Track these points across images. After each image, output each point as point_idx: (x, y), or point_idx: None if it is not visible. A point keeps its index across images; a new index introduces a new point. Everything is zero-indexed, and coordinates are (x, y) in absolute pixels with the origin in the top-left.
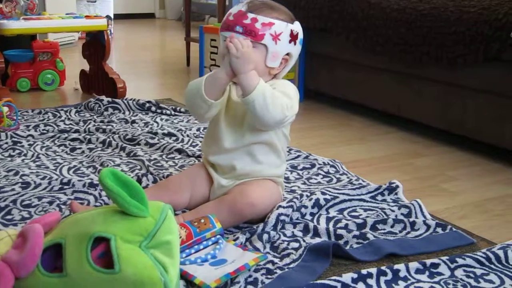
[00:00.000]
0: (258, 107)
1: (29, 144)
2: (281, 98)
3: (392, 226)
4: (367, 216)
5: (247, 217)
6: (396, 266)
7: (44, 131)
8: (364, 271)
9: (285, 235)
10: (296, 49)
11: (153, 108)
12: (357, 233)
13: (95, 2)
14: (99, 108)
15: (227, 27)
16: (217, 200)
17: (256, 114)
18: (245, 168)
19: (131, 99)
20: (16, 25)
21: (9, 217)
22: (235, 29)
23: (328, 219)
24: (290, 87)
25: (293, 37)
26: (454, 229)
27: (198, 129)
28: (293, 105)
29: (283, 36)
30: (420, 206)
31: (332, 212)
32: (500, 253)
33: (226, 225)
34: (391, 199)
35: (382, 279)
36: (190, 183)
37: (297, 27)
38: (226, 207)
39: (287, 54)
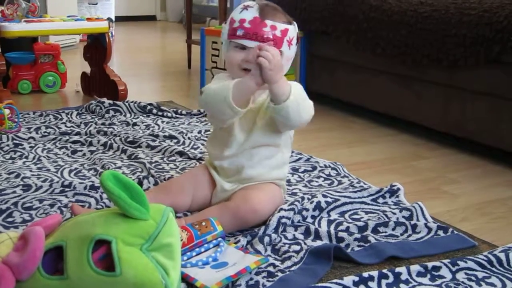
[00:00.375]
0: (292, 112)
1: (30, 147)
2: (308, 101)
3: (393, 229)
4: (368, 219)
5: (250, 224)
6: (397, 269)
7: (46, 134)
8: (365, 274)
9: (286, 237)
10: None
11: (154, 111)
12: (358, 236)
13: (96, 4)
14: (100, 111)
15: (245, 35)
16: (220, 206)
17: (289, 118)
18: (250, 171)
19: (132, 102)
20: (18, 28)
21: (10, 219)
22: (259, 38)
23: (330, 222)
24: (301, 87)
25: (298, 40)
26: (455, 232)
27: (199, 132)
28: (312, 104)
29: (294, 40)
30: (421, 209)
31: (334, 215)
32: (502, 256)
33: (228, 230)
34: (392, 201)
35: (384, 282)
36: (191, 186)
37: (297, 28)
38: (229, 214)
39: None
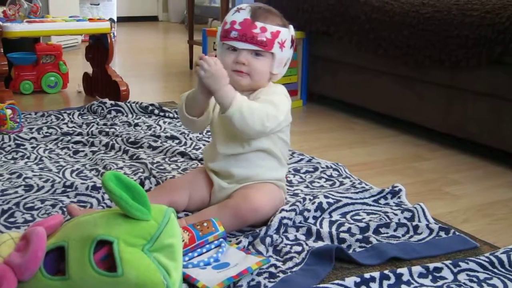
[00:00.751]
0: (236, 121)
1: (32, 147)
2: (261, 109)
3: (395, 230)
4: (370, 220)
5: (250, 223)
6: (399, 270)
7: (47, 134)
8: (367, 275)
9: (288, 238)
10: (292, 53)
11: (156, 111)
12: (360, 236)
13: (98, 5)
14: (102, 111)
15: (236, 36)
16: (220, 205)
17: (236, 128)
18: (242, 174)
19: (134, 102)
20: (20, 28)
21: (12, 219)
22: (249, 39)
23: (331, 223)
24: (278, 94)
25: (292, 42)
26: (457, 233)
27: (201, 132)
28: (277, 115)
29: (287, 43)
30: (423, 210)
31: (335, 216)
32: (504, 257)
33: (228, 230)
34: (394, 202)
35: (385, 283)
36: (188, 184)
37: (293, 31)
38: (229, 212)
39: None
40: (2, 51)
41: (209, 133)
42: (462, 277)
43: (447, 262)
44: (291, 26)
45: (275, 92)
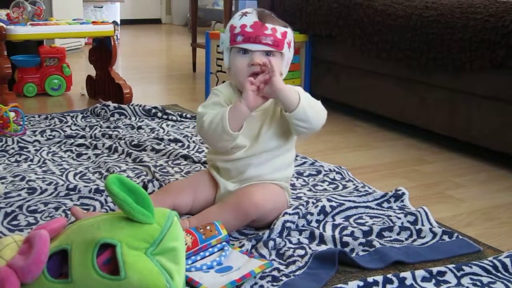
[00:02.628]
0: (310, 113)
1: (35, 150)
2: (313, 99)
3: (398, 234)
4: (373, 224)
5: (252, 218)
6: (402, 274)
7: (51, 137)
8: (370, 279)
9: (291, 242)
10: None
11: (159, 114)
12: (363, 240)
13: (101, 7)
14: (105, 114)
15: (248, 39)
16: (221, 203)
17: (308, 121)
18: (253, 173)
19: (137, 105)
20: (23, 31)
21: (15, 222)
22: (262, 40)
23: (334, 226)
24: (301, 89)
25: (294, 43)
26: (460, 237)
27: None
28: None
29: (292, 43)
30: (426, 214)
31: (338, 219)
32: (507, 261)
33: (230, 227)
34: (397, 206)
35: (388, 287)
36: (192, 187)
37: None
38: (230, 208)
39: None
40: (6, 54)
41: None
42: (465, 281)
43: (451, 266)
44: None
45: (302, 91)
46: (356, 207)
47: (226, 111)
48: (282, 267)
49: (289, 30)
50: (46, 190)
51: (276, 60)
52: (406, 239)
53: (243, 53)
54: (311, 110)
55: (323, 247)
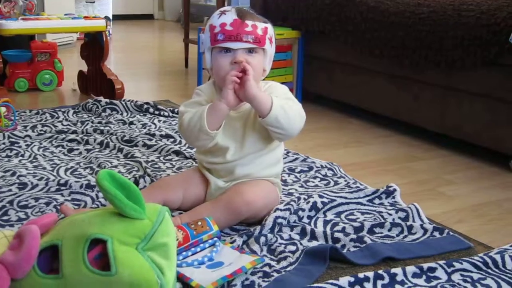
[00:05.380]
0: (283, 120)
1: (26, 145)
2: (291, 104)
3: (389, 230)
4: (364, 220)
5: (244, 216)
6: (393, 270)
7: (42, 132)
8: (361, 275)
9: (282, 238)
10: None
11: (151, 110)
12: (354, 236)
13: (93, 2)
14: (97, 109)
15: (229, 37)
16: (213, 200)
17: (282, 127)
18: (242, 172)
19: (129, 100)
20: (15, 25)
21: (5, 217)
22: (243, 38)
23: (326, 222)
24: (286, 89)
25: (275, 38)
26: (451, 233)
27: None
28: (301, 110)
29: (273, 39)
30: (417, 210)
31: (330, 215)
32: (497, 257)
33: (222, 225)
34: (388, 202)
35: (379, 283)
36: (182, 183)
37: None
38: (222, 206)
39: None
40: None
41: None
42: (456, 277)
43: (441, 262)
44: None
45: (280, 88)
46: (347, 203)
47: (205, 109)
48: (273, 263)
49: (269, 26)
50: (37, 185)
51: (258, 57)
52: (397, 235)
53: (225, 52)
54: (285, 117)
55: (314, 243)
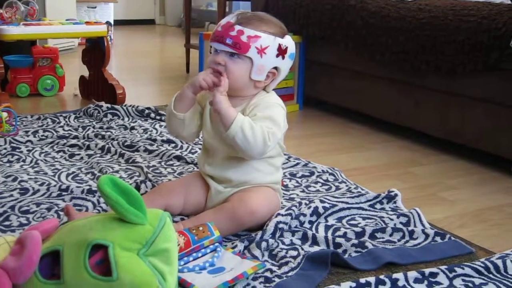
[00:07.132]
0: (239, 141)
1: (28, 150)
2: (262, 129)
3: (390, 235)
4: (365, 225)
5: (247, 225)
6: (394, 275)
7: (43, 137)
8: (362, 280)
9: (283, 243)
10: (285, 64)
11: (152, 115)
12: (355, 241)
13: (95, 8)
14: (98, 114)
15: (215, 38)
16: (216, 208)
17: (238, 147)
18: (239, 179)
19: (130, 106)
20: (16, 31)
21: (7, 223)
22: (225, 41)
23: (327, 227)
24: (275, 107)
25: (281, 51)
26: (452, 238)
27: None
28: (276, 132)
29: (269, 50)
30: (419, 215)
31: (331, 221)
32: (499, 262)
33: (225, 233)
34: (390, 207)
35: None
36: (183, 188)
37: (287, 41)
38: (225, 215)
39: (275, 68)
40: None
41: None
42: (457, 282)
43: (443, 267)
44: (287, 36)
45: (270, 105)
46: (348, 208)
47: (175, 95)
48: (274, 268)
49: (264, 35)
50: (38, 190)
51: (241, 64)
52: (399, 240)
53: (215, 51)
54: (242, 139)
55: (315, 248)
